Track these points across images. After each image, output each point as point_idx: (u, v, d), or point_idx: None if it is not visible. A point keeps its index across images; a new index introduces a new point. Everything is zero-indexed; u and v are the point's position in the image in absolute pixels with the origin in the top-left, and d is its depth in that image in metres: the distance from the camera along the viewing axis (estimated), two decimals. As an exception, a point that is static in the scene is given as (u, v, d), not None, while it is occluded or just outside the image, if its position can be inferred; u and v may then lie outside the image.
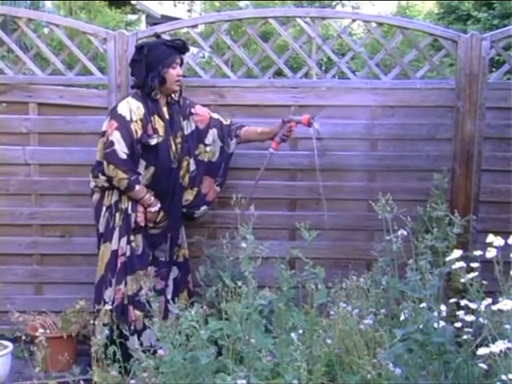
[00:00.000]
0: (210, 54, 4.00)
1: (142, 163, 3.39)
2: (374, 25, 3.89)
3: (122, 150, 3.28)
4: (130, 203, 3.37)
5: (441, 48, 3.93)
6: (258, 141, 3.65)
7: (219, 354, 2.33)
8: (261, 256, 2.35)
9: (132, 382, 2.37)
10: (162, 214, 3.46)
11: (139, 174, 3.37)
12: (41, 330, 2.90)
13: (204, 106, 3.78)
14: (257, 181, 3.57)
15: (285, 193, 3.91)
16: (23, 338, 2.82)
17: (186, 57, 3.93)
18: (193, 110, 3.60)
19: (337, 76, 4.15)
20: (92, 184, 3.43)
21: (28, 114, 3.90)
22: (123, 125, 3.31)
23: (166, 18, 9.70)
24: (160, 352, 2.32)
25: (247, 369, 2.16)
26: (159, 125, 3.41)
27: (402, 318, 2.30)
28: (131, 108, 3.34)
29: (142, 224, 3.39)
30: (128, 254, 3.38)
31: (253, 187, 3.54)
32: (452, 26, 8.83)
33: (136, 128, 3.33)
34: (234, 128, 3.63)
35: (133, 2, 11.28)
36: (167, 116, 3.48)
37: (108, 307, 2.91)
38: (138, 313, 3.32)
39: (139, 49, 3.46)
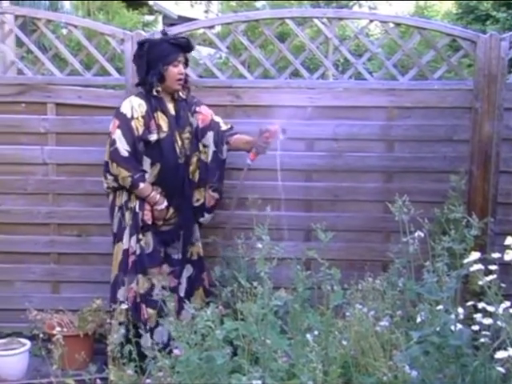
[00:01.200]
0: (226, 55, 4.00)
1: (147, 160, 3.39)
2: (391, 25, 3.88)
3: (123, 147, 3.30)
4: (137, 202, 3.38)
5: (459, 48, 3.90)
6: (244, 150, 3.56)
7: (234, 354, 2.34)
8: (276, 257, 2.35)
9: (148, 381, 2.38)
10: (172, 210, 3.47)
11: (144, 171, 3.38)
12: (58, 329, 2.92)
13: (220, 106, 3.79)
14: (241, 182, 3.53)
15: (300, 194, 3.91)
16: (41, 335, 2.84)
17: (203, 57, 3.96)
18: (197, 109, 3.57)
19: (353, 77, 4.13)
20: (104, 185, 3.45)
21: (46, 114, 3.93)
22: (124, 123, 3.33)
23: (183, 19, 9.73)
24: (176, 351, 2.32)
25: (262, 369, 2.16)
26: (163, 120, 3.41)
27: (419, 320, 2.29)
28: (133, 105, 3.36)
29: (149, 222, 3.39)
30: (138, 252, 3.39)
31: (238, 188, 3.55)
32: (470, 26, 8.76)
33: (137, 125, 3.33)
34: (226, 134, 3.58)
35: (150, 3, 11.33)
36: (173, 112, 3.47)
37: (124, 306, 2.93)
38: (150, 311, 3.33)
39: (141, 45, 3.45)
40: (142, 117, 3.35)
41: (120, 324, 3.24)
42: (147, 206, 3.38)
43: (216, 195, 3.57)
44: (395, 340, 2.16)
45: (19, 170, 3.95)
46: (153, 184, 3.41)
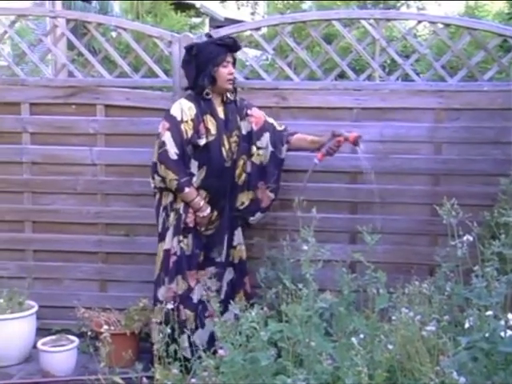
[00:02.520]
0: (273, 57, 4.00)
1: (195, 163, 3.41)
2: (440, 26, 3.82)
3: (173, 150, 3.33)
4: (182, 204, 3.41)
5: (510, 49, 3.82)
6: (307, 149, 3.58)
7: (279, 355, 2.34)
8: (322, 259, 2.34)
9: (193, 380, 2.39)
10: (215, 213, 3.48)
11: (192, 175, 3.40)
12: (105, 327, 2.96)
13: (266, 108, 3.79)
14: (304, 185, 3.48)
15: (346, 195, 3.88)
16: (88, 333, 2.89)
17: (250, 59, 3.97)
18: (249, 112, 3.58)
19: (400, 78, 4.09)
20: (151, 185, 3.49)
21: (95, 115, 4.01)
22: (174, 125, 3.36)
23: (230, 21, 9.78)
24: (220, 352, 2.33)
25: (307, 371, 2.16)
26: (211, 124, 3.43)
27: (467, 325, 2.25)
28: (182, 108, 3.39)
29: (192, 225, 3.41)
30: (178, 253, 3.43)
31: (300, 191, 3.51)
32: (522, 26, 8.55)
33: (186, 128, 3.36)
34: (285, 134, 3.58)
35: (197, 6, 11.43)
36: (222, 115, 3.48)
37: (170, 306, 2.95)
38: (188, 312, 3.34)
39: (189, 49, 3.47)
40: (192, 120, 3.38)
41: (158, 323, 3.32)
42: (191, 209, 3.41)
43: (272, 195, 3.58)
44: (442, 345, 2.12)
45: (69, 171, 4.04)
46: (199, 187, 3.43)
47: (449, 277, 2.61)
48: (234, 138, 3.51)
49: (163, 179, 3.38)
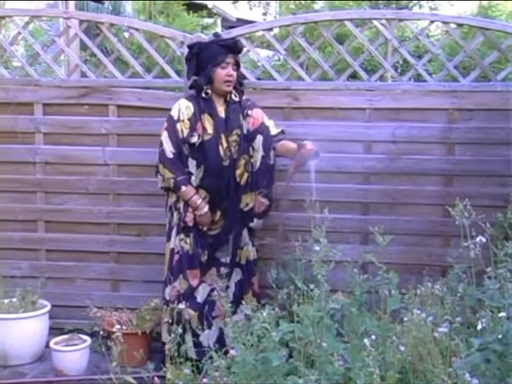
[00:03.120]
0: (284, 57, 4.00)
1: (193, 162, 3.42)
2: (453, 26, 3.80)
3: (169, 149, 3.37)
4: (183, 203, 3.44)
5: (524, 49, 3.80)
6: (287, 157, 3.46)
7: (290, 356, 2.33)
8: (333, 259, 2.33)
9: (204, 380, 2.40)
10: (219, 214, 3.48)
11: (189, 174, 3.41)
12: (117, 326, 2.97)
13: (278, 108, 3.79)
14: (286, 185, 3.46)
15: (358, 196, 3.87)
16: (101, 333, 2.90)
17: (262, 59, 3.97)
18: (250, 112, 3.53)
19: (412, 79, 4.07)
20: (158, 185, 3.51)
21: (108, 115, 4.02)
22: (171, 125, 3.40)
23: (242, 22, 9.78)
24: (232, 352, 2.33)
25: (318, 372, 2.16)
26: (208, 123, 3.43)
27: (479, 327, 2.24)
28: (180, 108, 3.42)
29: (191, 224, 3.42)
30: (180, 252, 3.45)
31: (284, 190, 3.51)
32: (536, 26, 8.49)
33: (182, 127, 3.38)
34: (274, 139, 3.49)
35: (209, 6, 11.44)
36: (223, 114, 3.47)
37: (182, 306, 2.95)
38: (191, 312, 3.33)
39: (191, 48, 3.48)
40: (189, 119, 3.40)
41: (166, 323, 3.33)
42: (190, 208, 3.42)
43: (266, 201, 3.51)
44: (455, 347, 2.12)
45: (81, 171, 4.06)
46: (198, 187, 3.43)
47: (461, 278, 2.60)
48: (234, 137, 3.48)
49: (163, 178, 3.41)
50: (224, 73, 3.40)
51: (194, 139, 3.39)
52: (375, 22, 3.86)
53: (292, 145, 3.42)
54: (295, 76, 3.98)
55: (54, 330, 3.90)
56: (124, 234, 4.08)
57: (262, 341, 2.29)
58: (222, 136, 3.44)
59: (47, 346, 3.75)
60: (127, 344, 2.62)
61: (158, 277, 3.84)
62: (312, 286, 2.28)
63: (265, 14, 10.54)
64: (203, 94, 3.43)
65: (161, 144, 3.40)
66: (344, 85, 3.86)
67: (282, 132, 3.55)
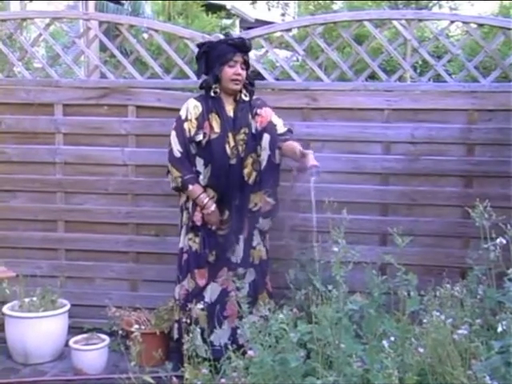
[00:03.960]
0: (303, 58, 4.00)
1: (200, 161, 3.43)
2: (473, 26, 3.77)
3: (176, 148, 3.40)
4: (191, 202, 3.45)
5: (545, 49, 3.76)
6: (292, 158, 3.37)
7: (308, 357, 2.33)
8: (352, 261, 2.33)
9: (222, 380, 2.40)
10: (227, 213, 3.47)
11: (197, 173, 3.42)
12: (136, 326, 2.98)
13: (296, 109, 3.79)
14: (292, 185, 3.42)
15: (376, 197, 3.86)
16: (119, 332, 2.92)
17: (280, 60, 3.96)
18: (258, 111, 3.50)
19: (432, 79, 4.05)
20: (170, 185, 3.54)
21: (127, 116, 4.04)
22: (179, 124, 3.43)
23: (260, 22, 9.80)
24: (250, 353, 2.34)
25: (336, 374, 2.15)
26: (216, 122, 3.43)
27: (500, 329, 2.22)
28: (188, 107, 3.44)
29: (199, 223, 3.42)
30: (188, 251, 3.47)
31: (290, 190, 3.46)
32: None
33: (189, 127, 3.40)
34: (280, 139, 3.43)
35: (228, 7, 11.48)
36: (231, 113, 3.46)
37: (200, 306, 2.95)
38: (199, 311, 3.33)
39: (200, 47, 3.51)
40: (196, 118, 3.41)
41: (177, 321, 3.41)
42: (198, 207, 3.43)
43: (271, 200, 3.47)
44: (474, 349, 2.10)
45: (101, 171, 4.09)
46: (206, 186, 3.43)
47: (481, 280, 2.58)
48: (242, 136, 3.45)
49: (172, 177, 3.45)
50: (232, 71, 3.40)
51: (199, 137, 3.40)
52: (394, 23, 3.84)
53: (296, 148, 3.28)
54: (314, 76, 3.97)
55: (74, 329, 3.93)
56: (143, 234, 4.10)
57: (280, 342, 2.29)
58: (229, 135, 3.44)
59: (66, 344, 3.77)
60: (145, 343, 2.62)
61: (175, 277, 3.85)
62: (330, 287, 2.27)
63: (283, 14, 10.55)
64: (212, 93, 3.45)
65: (169, 143, 3.44)
66: (363, 85, 3.85)
67: (289, 131, 3.51)
